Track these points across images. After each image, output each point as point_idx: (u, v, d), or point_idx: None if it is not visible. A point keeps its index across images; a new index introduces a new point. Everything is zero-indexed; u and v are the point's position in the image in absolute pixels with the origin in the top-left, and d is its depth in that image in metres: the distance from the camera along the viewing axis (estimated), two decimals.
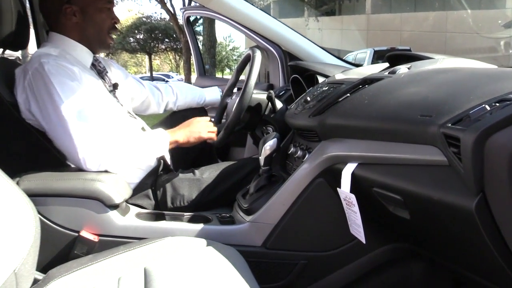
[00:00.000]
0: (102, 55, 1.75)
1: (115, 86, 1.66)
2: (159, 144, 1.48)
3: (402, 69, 1.30)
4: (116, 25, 1.60)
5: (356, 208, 1.12)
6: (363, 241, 1.17)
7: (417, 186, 0.91)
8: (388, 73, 1.31)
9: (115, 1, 1.64)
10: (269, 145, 1.41)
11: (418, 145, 0.91)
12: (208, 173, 1.64)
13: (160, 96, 1.99)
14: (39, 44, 2.17)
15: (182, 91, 2.04)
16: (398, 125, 0.97)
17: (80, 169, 1.35)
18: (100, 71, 1.63)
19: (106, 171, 1.36)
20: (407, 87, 1.09)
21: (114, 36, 1.62)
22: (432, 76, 1.13)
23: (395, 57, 1.57)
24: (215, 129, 1.64)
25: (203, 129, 1.60)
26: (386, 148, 1.00)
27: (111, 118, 1.49)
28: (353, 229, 1.21)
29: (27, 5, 1.95)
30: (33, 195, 1.18)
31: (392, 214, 1.05)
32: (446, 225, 0.92)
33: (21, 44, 1.64)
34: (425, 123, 0.88)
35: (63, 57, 1.46)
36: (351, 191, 1.10)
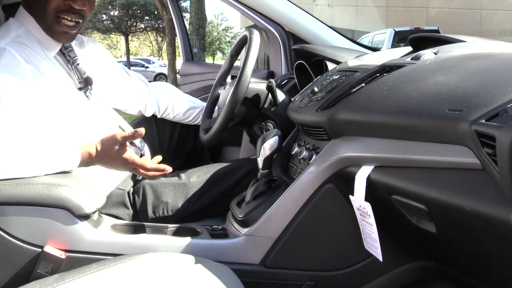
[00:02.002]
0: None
1: (87, 80, 1.60)
2: (65, 161, 1.37)
3: (428, 54, 1.30)
4: (72, 6, 1.47)
5: (372, 219, 1.13)
6: (380, 258, 1.18)
7: (444, 193, 0.91)
8: (411, 59, 1.31)
9: None
10: (269, 144, 1.42)
11: (445, 145, 0.92)
12: (196, 177, 1.65)
13: (149, 97, 1.94)
14: None
15: (178, 103, 1.98)
16: (422, 121, 0.98)
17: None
18: (70, 62, 1.59)
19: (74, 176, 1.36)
20: (433, 76, 1.10)
21: (69, 22, 1.49)
22: (463, 63, 1.14)
23: (419, 40, 1.57)
24: (142, 160, 1.49)
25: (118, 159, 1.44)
26: (408, 148, 1.01)
27: (36, 122, 1.41)
28: (368, 245, 1.21)
29: None
30: None
31: (414, 227, 1.06)
32: (479, 239, 0.93)
33: None
34: (454, 119, 0.89)
35: (21, 42, 1.45)
36: (366, 199, 1.11)
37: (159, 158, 1.53)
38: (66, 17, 1.48)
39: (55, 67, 1.52)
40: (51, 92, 1.45)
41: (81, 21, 1.53)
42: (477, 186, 0.85)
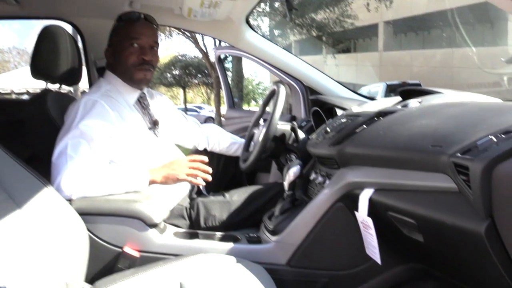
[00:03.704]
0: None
1: (155, 122, 1.64)
2: (137, 183, 1.40)
3: (414, 102, 1.30)
4: (145, 60, 1.54)
5: (372, 230, 1.11)
6: (379, 262, 1.15)
7: (429, 211, 0.90)
8: (401, 106, 1.30)
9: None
10: (293, 172, 1.41)
11: (429, 173, 0.90)
12: (237, 196, 1.65)
13: (201, 135, 1.96)
14: (90, 80, 2.25)
15: (222, 139, 1.99)
16: (411, 154, 0.97)
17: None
18: (143, 107, 1.63)
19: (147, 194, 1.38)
20: (418, 119, 1.09)
21: (145, 69, 1.55)
22: (442, 109, 1.12)
23: (407, 92, 1.56)
24: (195, 171, 1.45)
25: (181, 171, 1.44)
26: (400, 175, 1.00)
27: (119, 154, 1.47)
28: (369, 250, 1.19)
29: (80, 45, 2.02)
30: (84, 214, 1.21)
31: (406, 237, 1.04)
32: (458, 247, 0.90)
33: (75, 80, 1.70)
34: (436, 153, 0.88)
35: (109, 95, 1.51)
36: (368, 215, 1.09)
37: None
38: (142, 68, 1.55)
39: (133, 112, 1.56)
40: (129, 131, 1.49)
41: (152, 69, 1.59)
42: (455, 206, 0.83)
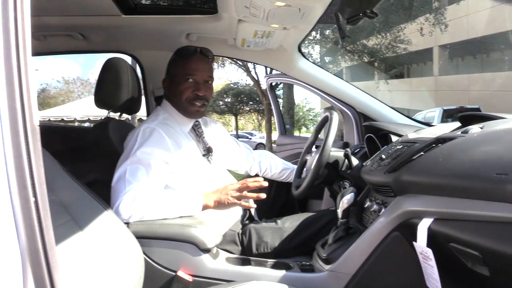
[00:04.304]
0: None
1: (209, 149, 1.69)
2: (192, 207, 1.44)
3: (475, 128, 1.24)
4: (199, 96, 1.58)
5: (433, 262, 1.05)
6: None
7: (496, 243, 0.84)
8: (461, 132, 1.25)
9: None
10: (346, 199, 1.39)
11: (495, 203, 0.85)
12: (289, 223, 1.64)
13: (253, 161, 1.98)
14: (148, 108, 2.35)
15: (274, 165, 2.00)
16: (473, 182, 0.92)
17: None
18: (198, 135, 1.69)
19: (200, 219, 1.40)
20: (481, 146, 1.04)
21: (198, 104, 1.60)
22: (506, 135, 1.07)
23: (467, 117, 1.50)
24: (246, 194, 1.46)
25: (232, 195, 1.46)
26: (462, 204, 0.95)
27: (174, 179, 1.51)
28: (430, 283, 1.13)
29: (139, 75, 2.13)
30: (140, 237, 1.24)
31: (470, 270, 0.97)
32: None
33: (135, 109, 1.79)
34: (502, 181, 0.83)
35: (166, 123, 1.56)
36: (428, 246, 1.04)
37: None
38: (195, 102, 1.60)
39: (188, 140, 1.61)
40: (184, 158, 1.54)
41: (206, 103, 1.64)
42: None
